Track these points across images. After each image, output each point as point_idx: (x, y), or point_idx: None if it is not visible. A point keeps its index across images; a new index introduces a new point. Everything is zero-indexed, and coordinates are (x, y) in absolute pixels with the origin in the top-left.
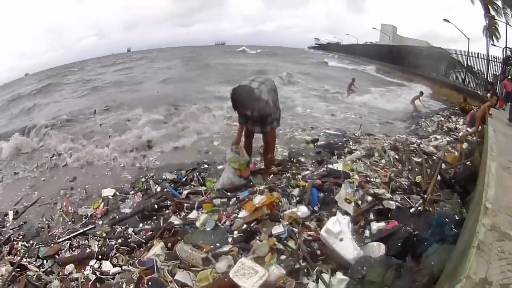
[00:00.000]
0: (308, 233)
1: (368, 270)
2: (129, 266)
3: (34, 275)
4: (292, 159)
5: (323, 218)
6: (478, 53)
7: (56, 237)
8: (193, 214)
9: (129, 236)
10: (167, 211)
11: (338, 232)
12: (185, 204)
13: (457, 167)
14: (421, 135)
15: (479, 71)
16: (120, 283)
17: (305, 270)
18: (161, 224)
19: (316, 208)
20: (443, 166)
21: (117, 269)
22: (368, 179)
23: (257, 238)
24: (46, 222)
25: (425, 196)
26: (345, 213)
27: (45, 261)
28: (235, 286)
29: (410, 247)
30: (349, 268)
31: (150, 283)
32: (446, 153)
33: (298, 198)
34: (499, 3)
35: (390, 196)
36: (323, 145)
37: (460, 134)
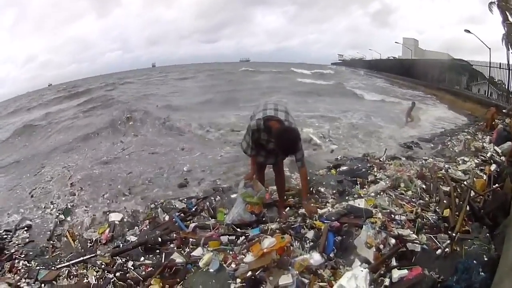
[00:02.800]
0: (320, 284)
1: None
2: None
3: None
4: (311, 190)
5: (339, 266)
6: (500, 63)
7: (58, 261)
8: (198, 251)
9: (128, 270)
10: (171, 245)
11: None
12: (191, 239)
13: (487, 194)
14: (448, 157)
15: (500, 81)
16: None
17: None
18: (163, 260)
19: (331, 255)
20: (472, 193)
21: None
22: (393, 216)
23: (263, 287)
24: (51, 242)
25: (453, 235)
26: (365, 260)
27: (43, 285)
28: None
29: None
30: None
31: None
32: (475, 178)
33: (312, 243)
34: None
35: (416, 237)
36: (345, 171)
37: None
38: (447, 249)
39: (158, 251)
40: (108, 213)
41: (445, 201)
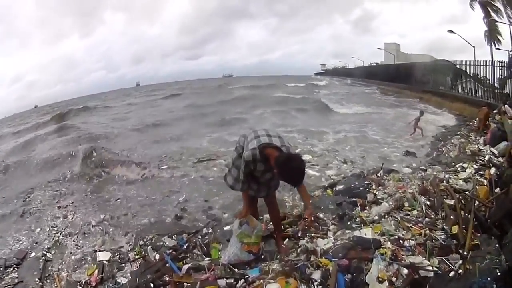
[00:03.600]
0: None
1: None
2: None
3: None
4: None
5: None
6: (486, 61)
7: None
8: None
9: None
10: None
11: None
12: (185, 284)
13: (491, 202)
14: (445, 163)
15: (484, 77)
16: None
17: None
18: None
19: None
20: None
21: None
22: (402, 242)
23: None
24: (40, 283)
25: (465, 254)
26: None
27: None
28: None
29: None
30: None
31: None
32: (477, 187)
33: (320, 287)
34: (499, 5)
35: (428, 263)
36: (342, 190)
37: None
38: (460, 270)
39: None
40: (95, 251)
41: (452, 217)
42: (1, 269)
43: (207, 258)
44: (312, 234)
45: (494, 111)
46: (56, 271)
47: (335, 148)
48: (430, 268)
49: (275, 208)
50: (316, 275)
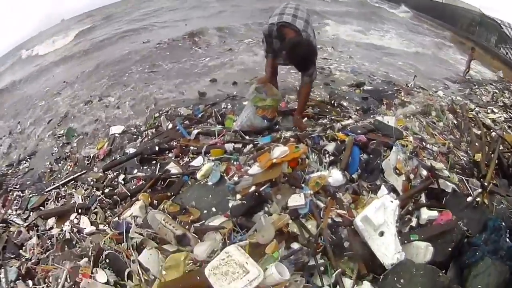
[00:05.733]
0: (338, 211)
1: (406, 286)
2: (106, 225)
3: (15, 231)
4: (333, 102)
5: (362, 191)
6: None
7: (52, 184)
8: (197, 161)
9: (117, 185)
10: (169, 155)
11: (380, 224)
12: (192, 147)
13: None
14: (476, 103)
15: None
16: (88, 249)
17: (322, 268)
18: (156, 172)
19: (355, 176)
20: (501, 147)
21: (92, 228)
22: (424, 144)
23: (267, 208)
24: (49, 165)
25: (485, 184)
26: (392, 189)
27: (31, 213)
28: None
29: (457, 251)
30: (382, 275)
31: (107, 259)
32: (504, 132)
33: (332, 158)
34: None
35: (448, 175)
36: (370, 90)
37: None
38: (478, 199)
39: (154, 162)
40: (108, 126)
41: (476, 144)
42: (14, 164)
43: (220, 126)
44: (334, 117)
45: None
46: (67, 152)
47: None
48: (450, 181)
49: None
50: (330, 147)
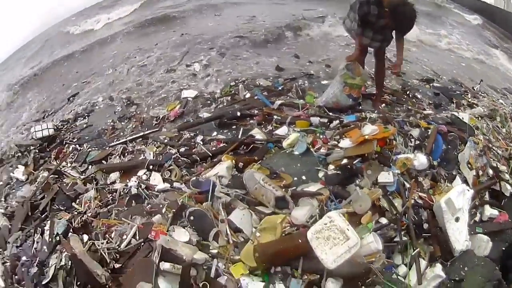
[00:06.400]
0: (420, 194)
1: (468, 273)
2: (182, 184)
3: (70, 183)
4: (407, 93)
5: (440, 179)
6: None
7: (115, 140)
8: (282, 130)
9: (195, 145)
10: (251, 121)
11: (459, 209)
12: (275, 117)
13: None
14: None
15: None
16: (161, 206)
17: (401, 247)
18: (239, 136)
19: (435, 163)
20: None
21: (166, 185)
22: (490, 146)
23: (357, 182)
24: (112, 123)
25: None
26: (464, 181)
27: (90, 166)
28: (309, 252)
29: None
30: (450, 261)
31: (192, 217)
32: None
33: (417, 142)
34: None
35: (508, 179)
36: (438, 87)
37: None
38: None
39: (234, 127)
40: (181, 90)
41: None
42: (70, 120)
43: (301, 100)
44: (410, 106)
45: None
46: (131, 112)
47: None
48: (509, 186)
49: (382, 65)
50: (415, 132)
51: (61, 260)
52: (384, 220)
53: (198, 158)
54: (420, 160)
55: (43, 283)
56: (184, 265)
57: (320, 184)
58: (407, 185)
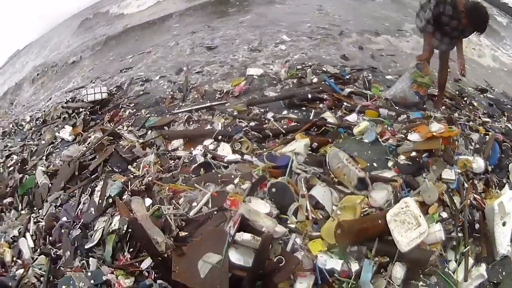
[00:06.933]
0: (475, 195)
1: (506, 278)
2: (254, 157)
3: (127, 145)
4: (464, 99)
5: (491, 185)
6: None
7: (176, 109)
8: (352, 117)
9: (266, 121)
10: (321, 105)
11: (508, 213)
12: (345, 103)
13: None
14: None
15: None
16: (233, 176)
17: (456, 243)
18: (311, 118)
19: (489, 168)
20: None
21: (236, 157)
22: None
23: (424, 175)
24: (171, 92)
25: None
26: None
27: (149, 132)
28: (385, 233)
29: None
30: (491, 264)
31: (274, 189)
32: None
33: (477, 146)
34: None
35: None
36: (491, 98)
37: None
38: None
39: (304, 108)
40: (245, 67)
41: None
42: (124, 87)
43: (369, 92)
44: (467, 112)
45: None
46: (194, 84)
47: None
48: None
49: (445, 68)
50: (475, 136)
51: (111, 224)
52: (445, 214)
53: (270, 134)
54: (478, 163)
55: (86, 246)
56: (264, 237)
57: (394, 171)
58: (466, 185)
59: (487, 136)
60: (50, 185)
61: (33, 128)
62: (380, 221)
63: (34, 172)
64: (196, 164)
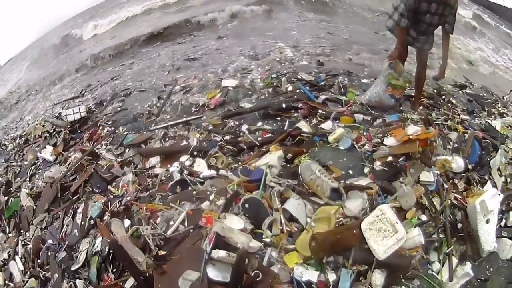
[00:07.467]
0: (456, 195)
1: (493, 274)
2: (229, 172)
3: (106, 165)
4: (443, 97)
5: (473, 182)
6: None
7: (153, 125)
8: (326, 125)
9: (241, 134)
10: (296, 114)
11: (491, 211)
12: (319, 111)
13: None
14: None
15: None
16: (208, 193)
17: (438, 244)
18: (286, 127)
19: (470, 167)
20: None
21: (212, 172)
22: None
23: (401, 179)
24: (148, 108)
25: None
26: (495, 186)
27: (127, 150)
28: (361, 243)
29: None
30: (478, 261)
31: (247, 204)
32: None
33: (455, 145)
34: None
35: None
36: (471, 94)
37: None
38: None
39: (279, 118)
40: (221, 79)
41: None
42: (105, 104)
43: (344, 98)
44: (445, 111)
45: None
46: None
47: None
48: None
49: (423, 67)
50: (453, 135)
51: (94, 245)
52: (424, 217)
53: (244, 147)
54: (458, 163)
55: (72, 268)
56: (240, 253)
57: (370, 178)
58: (445, 186)
59: (466, 135)
60: (34, 207)
61: (15, 148)
62: (355, 231)
63: (18, 194)
64: (172, 182)
